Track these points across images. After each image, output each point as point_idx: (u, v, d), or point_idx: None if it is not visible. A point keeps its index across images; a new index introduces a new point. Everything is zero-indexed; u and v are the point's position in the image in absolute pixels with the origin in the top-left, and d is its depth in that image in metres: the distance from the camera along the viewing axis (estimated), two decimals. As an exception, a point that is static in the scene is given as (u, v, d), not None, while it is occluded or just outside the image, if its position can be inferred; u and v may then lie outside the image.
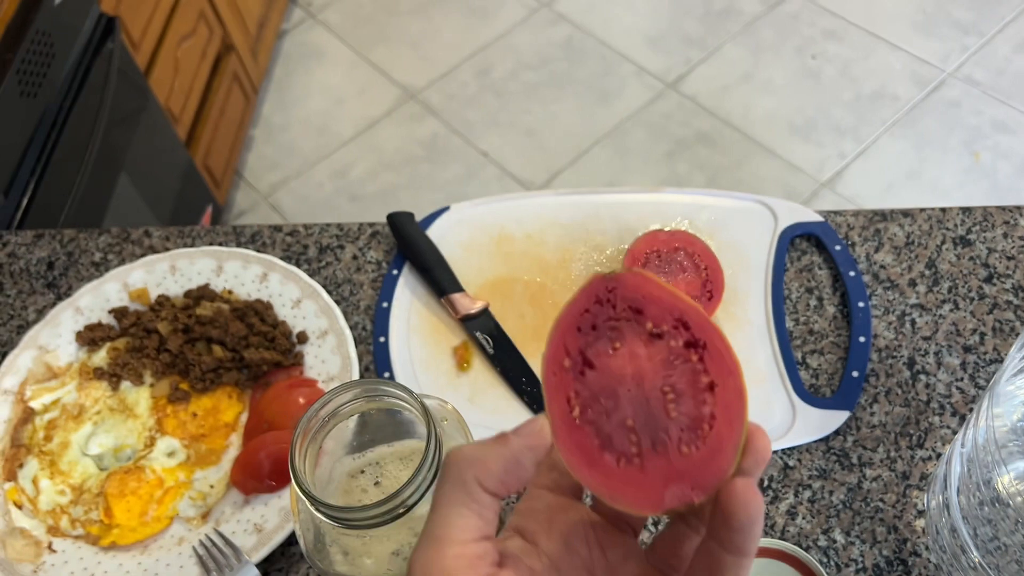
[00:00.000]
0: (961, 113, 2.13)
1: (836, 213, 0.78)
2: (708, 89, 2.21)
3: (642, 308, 0.35)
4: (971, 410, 0.67)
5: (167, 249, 0.82)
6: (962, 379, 0.69)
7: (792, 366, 0.70)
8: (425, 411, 0.49)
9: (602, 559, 0.37)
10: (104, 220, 1.39)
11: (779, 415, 0.68)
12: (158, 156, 1.59)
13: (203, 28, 1.79)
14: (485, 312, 0.75)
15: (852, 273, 0.74)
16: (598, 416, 0.35)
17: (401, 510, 0.48)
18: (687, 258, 0.72)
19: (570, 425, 0.36)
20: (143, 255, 0.81)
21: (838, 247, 0.75)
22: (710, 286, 0.70)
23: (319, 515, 0.49)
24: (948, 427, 0.66)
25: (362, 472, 0.58)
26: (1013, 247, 0.75)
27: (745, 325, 0.72)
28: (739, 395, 0.34)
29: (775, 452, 0.66)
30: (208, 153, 1.81)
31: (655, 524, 0.65)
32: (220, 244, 0.82)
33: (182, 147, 1.67)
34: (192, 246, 0.82)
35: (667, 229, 0.77)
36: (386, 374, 0.72)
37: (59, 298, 0.80)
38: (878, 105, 2.16)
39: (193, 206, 1.73)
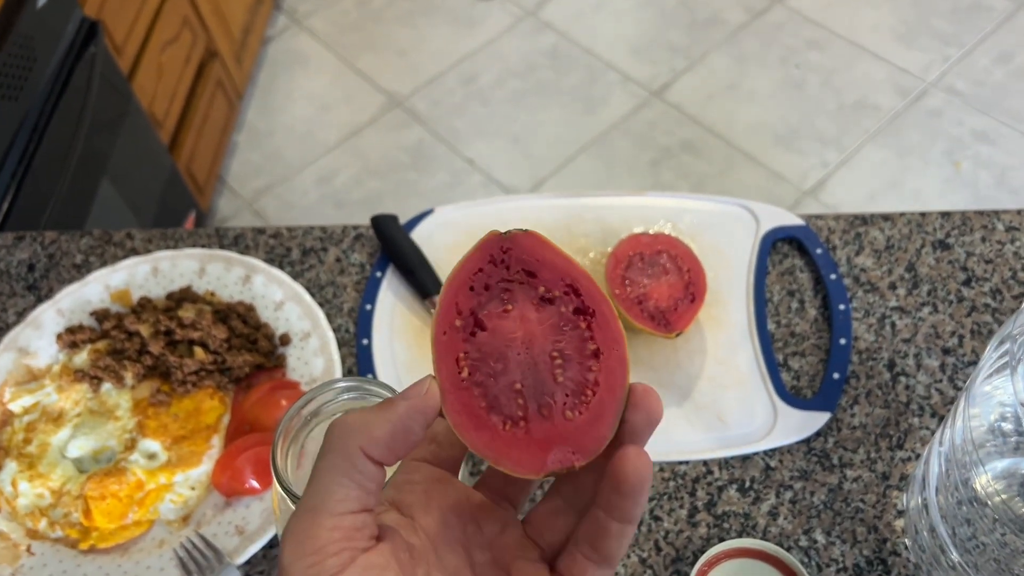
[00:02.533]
0: (942, 123, 2.15)
1: (817, 217, 0.79)
2: (693, 98, 2.22)
3: (535, 271, 0.36)
4: (950, 412, 0.67)
5: (149, 251, 0.82)
6: (941, 381, 0.69)
7: (774, 368, 0.70)
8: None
9: (478, 534, 0.37)
10: (86, 224, 1.39)
11: (760, 416, 0.68)
12: (141, 161, 1.59)
13: (187, 33, 1.78)
14: (468, 314, 0.74)
15: (833, 276, 0.74)
16: (486, 378, 0.35)
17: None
18: (670, 260, 0.72)
19: (458, 386, 0.35)
20: (125, 257, 0.81)
21: (819, 250, 0.76)
22: (692, 288, 0.71)
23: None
24: (927, 428, 0.67)
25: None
26: (991, 251, 0.76)
27: (727, 327, 0.73)
28: (622, 363, 0.35)
29: (758, 454, 0.66)
30: (191, 159, 1.80)
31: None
32: (203, 246, 0.81)
33: (165, 152, 1.67)
34: (175, 248, 0.81)
35: (650, 232, 0.77)
36: (369, 376, 0.72)
37: (40, 300, 0.79)
38: (860, 115, 2.18)
39: (176, 212, 1.72)
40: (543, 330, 0.36)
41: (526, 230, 0.37)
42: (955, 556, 0.58)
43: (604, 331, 0.35)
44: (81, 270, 0.81)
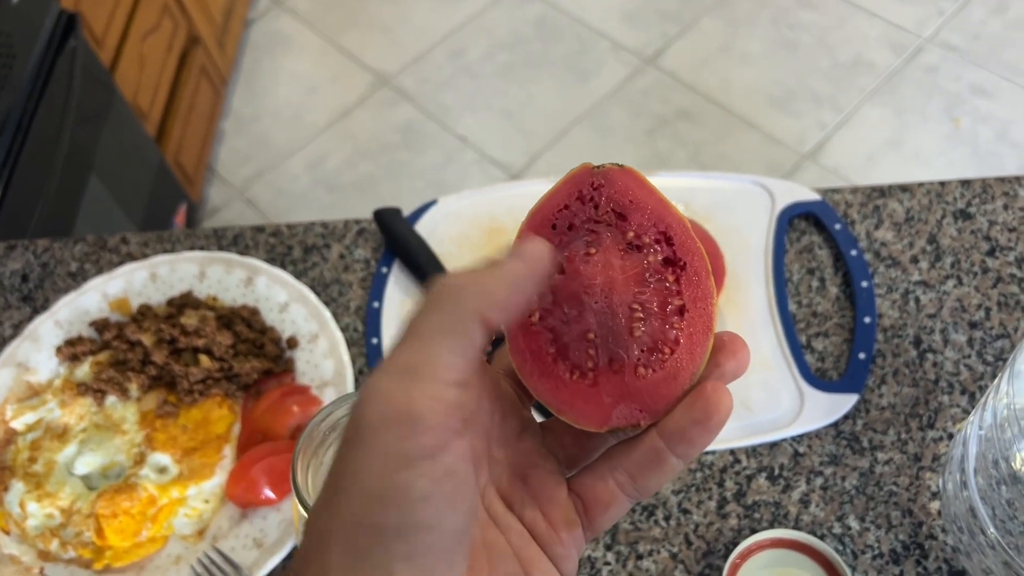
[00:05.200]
0: (939, 79, 2.12)
1: (834, 191, 0.77)
2: (686, 64, 2.18)
3: (626, 214, 0.33)
4: (980, 387, 0.66)
5: (146, 256, 0.79)
6: (969, 356, 0.67)
7: (798, 350, 0.68)
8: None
9: (501, 427, 0.34)
10: (76, 223, 1.36)
11: (787, 401, 0.66)
12: (128, 155, 1.55)
13: (167, 21, 1.74)
14: (480, 308, 0.72)
15: (853, 252, 0.72)
16: (559, 324, 0.33)
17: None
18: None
19: (527, 329, 0.33)
20: (121, 263, 0.78)
21: (838, 226, 0.74)
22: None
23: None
24: (958, 406, 0.65)
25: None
26: (1014, 219, 0.74)
27: (748, 310, 0.71)
28: (707, 324, 0.32)
29: (785, 440, 0.65)
30: (179, 149, 1.77)
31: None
32: (201, 248, 0.79)
33: (152, 144, 1.63)
34: (172, 251, 0.79)
35: (663, 215, 0.75)
36: (381, 376, 0.70)
37: (36, 312, 0.77)
38: (856, 73, 2.15)
39: (166, 205, 1.69)
40: (626, 279, 0.33)
41: (621, 165, 0.34)
42: (995, 536, 0.57)
43: (693, 287, 0.32)
44: (76, 278, 0.79)
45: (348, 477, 0.28)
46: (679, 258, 0.33)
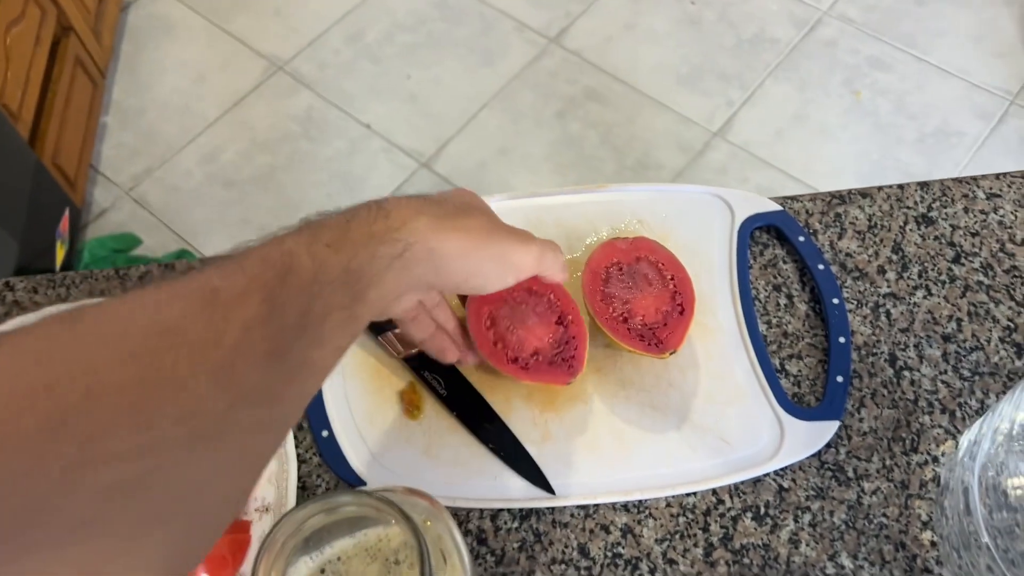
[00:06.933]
0: (838, 52, 2.15)
1: (793, 199, 0.73)
2: (591, 43, 2.14)
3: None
4: (960, 405, 0.64)
5: (37, 304, 0.69)
6: (945, 372, 0.65)
7: (772, 376, 0.64)
8: (414, 530, 0.40)
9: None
10: (-56, 244, 1.21)
11: (766, 433, 0.62)
12: (-1, 161, 1.40)
13: (33, 9, 1.57)
14: (430, 347, 0.66)
15: (820, 267, 0.69)
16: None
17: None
18: (651, 268, 0.65)
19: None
20: (7, 315, 0.68)
21: (801, 238, 0.70)
22: (680, 299, 0.64)
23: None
24: (939, 426, 0.63)
25: (322, 572, 0.49)
26: (975, 222, 0.72)
27: (718, 335, 0.66)
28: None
29: (768, 475, 0.61)
30: (57, 150, 1.61)
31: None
32: (101, 293, 0.69)
33: (26, 147, 1.48)
34: (67, 298, 0.69)
35: (623, 235, 0.69)
36: (324, 432, 0.63)
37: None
38: (759, 49, 2.15)
39: (48, 212, 1.54)
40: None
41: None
42: (998, 561, 0.54)
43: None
44: (-46, 333, 0.67)
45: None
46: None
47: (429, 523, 0.46)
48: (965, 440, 0.59)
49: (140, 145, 1.94)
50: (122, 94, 2.00)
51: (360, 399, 0.64)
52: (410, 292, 0.50)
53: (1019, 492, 0.55)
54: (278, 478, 0.61)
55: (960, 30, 2.16)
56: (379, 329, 0.66)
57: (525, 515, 0.60)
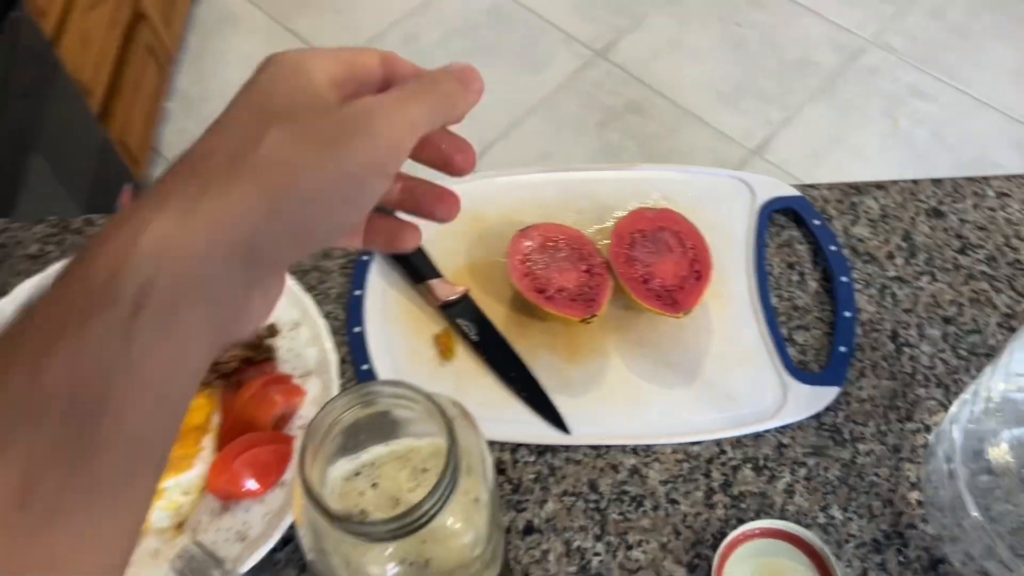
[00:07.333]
0: (880, 80, 2.19)
1: (811, 187, 0.78)
2: (636, 57, 2.20)
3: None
4: (954, 380, 0.68)
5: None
6: (944, 351, 0.69)
7: (780, 343, 0.69)
8: (447, 422, 0.46)
9: None
10: (17, 203, 1.30)
11: (770, 394, 0.67)
12: (70, 133, 1.49)
13: (112, -6, 1.67)
14: (465, 298, 0.72)
15: (832, 248, 0.74)
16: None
17: (423, 521, 0.45)
18: (673, 237, 0.70)
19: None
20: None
21: (817, 221, 0.75)
22: (698, 266, 0.69)
23: (340, 532, 0.45)
24: (934, 399, 0.67)
25: (357, 474, 0.54)
26: (983, 217, 0.76)
27: (731, 303, 0.72)
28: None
29: (769, 431, 0.66)
30: (124, 128, 1.70)
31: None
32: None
33: (96, 123, 1.57)
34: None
35: (653, 206, 0.75)
36: (364, 366, 0.69)
37: (-6, 295, 0.73)
38: (801, 72, 2.19)
39: (111, 185, 1.63)
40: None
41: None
42: (979, 519, 0.58)
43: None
44: (38, 261, 0.75)
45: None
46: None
47: (457, 420, 0.51)
48: (952, 409, 0.63)
49: (199, 131, 2.02)
50: (187, 82, 2.10)
51: (399, 338, 0.70)
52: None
53: (999, 457, 0.59)
54: (320, 401, 0.67)
55: (1001, 63, 2.19)
56: (419, 277, 0.72)
57: (542, 451, 0.65)
